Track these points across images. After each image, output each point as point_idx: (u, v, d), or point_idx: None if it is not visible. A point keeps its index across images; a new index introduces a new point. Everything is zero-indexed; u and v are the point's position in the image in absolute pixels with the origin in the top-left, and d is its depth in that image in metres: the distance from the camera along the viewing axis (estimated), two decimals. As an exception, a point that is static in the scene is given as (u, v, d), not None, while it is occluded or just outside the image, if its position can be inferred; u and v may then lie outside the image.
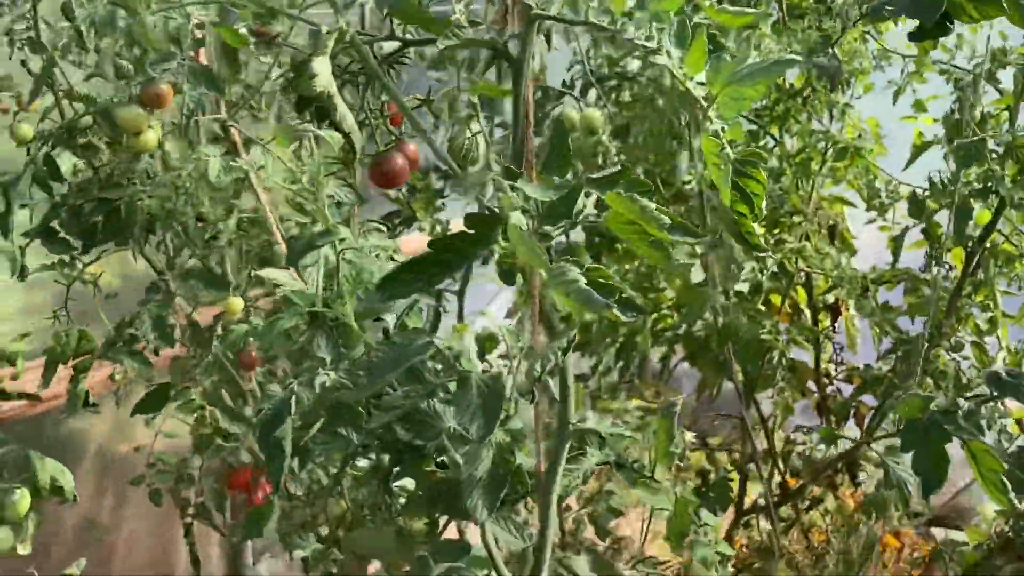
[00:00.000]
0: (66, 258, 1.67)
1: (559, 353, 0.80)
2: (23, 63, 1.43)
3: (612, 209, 0.75)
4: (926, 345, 1.83)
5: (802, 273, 2.41)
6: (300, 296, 0.96)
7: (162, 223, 1.43)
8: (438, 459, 1.06)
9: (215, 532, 3.14)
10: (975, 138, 1.58)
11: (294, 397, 0.87)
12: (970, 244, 1.93)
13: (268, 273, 1.00)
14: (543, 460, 0.86)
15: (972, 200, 1.84)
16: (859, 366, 2.36)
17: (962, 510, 3.13)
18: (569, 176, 0.74)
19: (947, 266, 2.00)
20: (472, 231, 0.71)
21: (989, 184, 1.81)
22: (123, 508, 2.75)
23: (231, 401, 1.56)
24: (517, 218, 0.67)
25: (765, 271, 2.17)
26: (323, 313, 0.98)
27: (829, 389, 2.53)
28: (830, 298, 2.58)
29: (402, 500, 1.14)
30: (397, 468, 1.06)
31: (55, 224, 1.63)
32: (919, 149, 2.32)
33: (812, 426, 2.36)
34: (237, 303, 1.35)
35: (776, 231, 2.39)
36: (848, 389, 2.57)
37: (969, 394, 1.05)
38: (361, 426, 0.90)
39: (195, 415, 2.01)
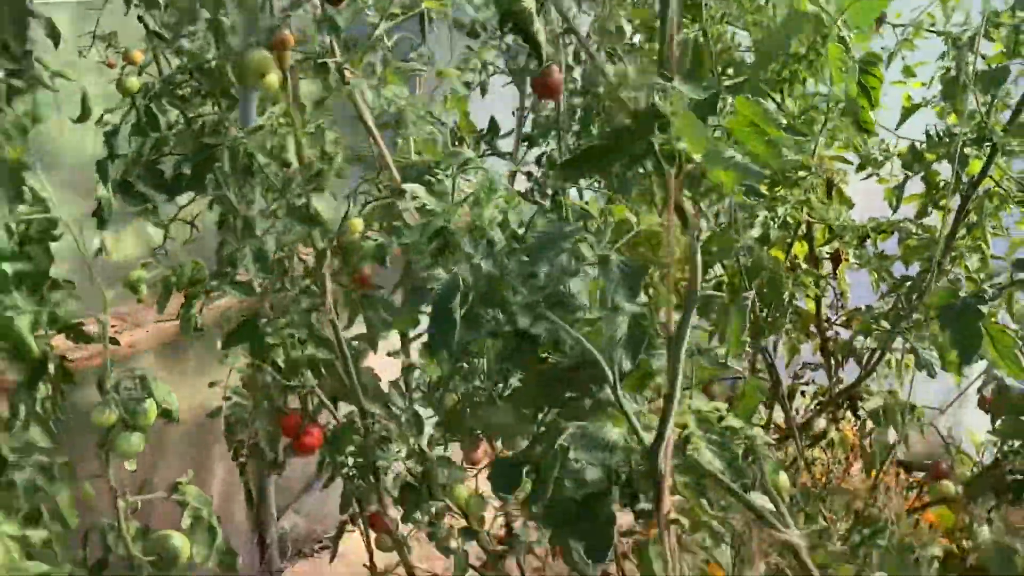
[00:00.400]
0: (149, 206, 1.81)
1: (694, 236, 0.98)
2: (140, 19, 1.57)
3: (738, 111, 0.93)
4: (929, 279, 2.04)
5: (803, 226, 2.62)
6: (440, 198, 1.12)
7: (260, 167, 1.57)
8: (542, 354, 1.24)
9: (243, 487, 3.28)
10: (1000, 65, 1.79)
11: (460, 278, 1.03)
12: (964, 190, 2.15)
13: (409, 187, 1.16)
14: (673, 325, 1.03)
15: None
16: (858, 308, 2.57)
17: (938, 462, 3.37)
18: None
19: (944, 210, 2.21)
20: (635, 125, 0.88)
21: (983, 133, 2.03)
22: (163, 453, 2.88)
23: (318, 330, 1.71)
24: (684, 107, 0.85)
25: (776, 220, 2.37)
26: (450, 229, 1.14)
27: (829, 333, 2.74)
28: (826, 250, 2.81)
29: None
30: (507, 362, 1.23)
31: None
32: (909, 111, 2.55)
33: (818, 363, 2.57)
34: (358, 223, 1.51)
35: (777, 188, 2.59)
36: (845, 334, 2.80)
37: (991, 283, 1.24)
38: (507, 305, 1.07)
39: (250, 362, 2.16)
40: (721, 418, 1.13)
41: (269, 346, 2.09)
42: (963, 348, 1.21)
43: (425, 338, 1.82)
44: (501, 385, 1.27)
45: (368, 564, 2.66)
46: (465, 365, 1.32)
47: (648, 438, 1.04)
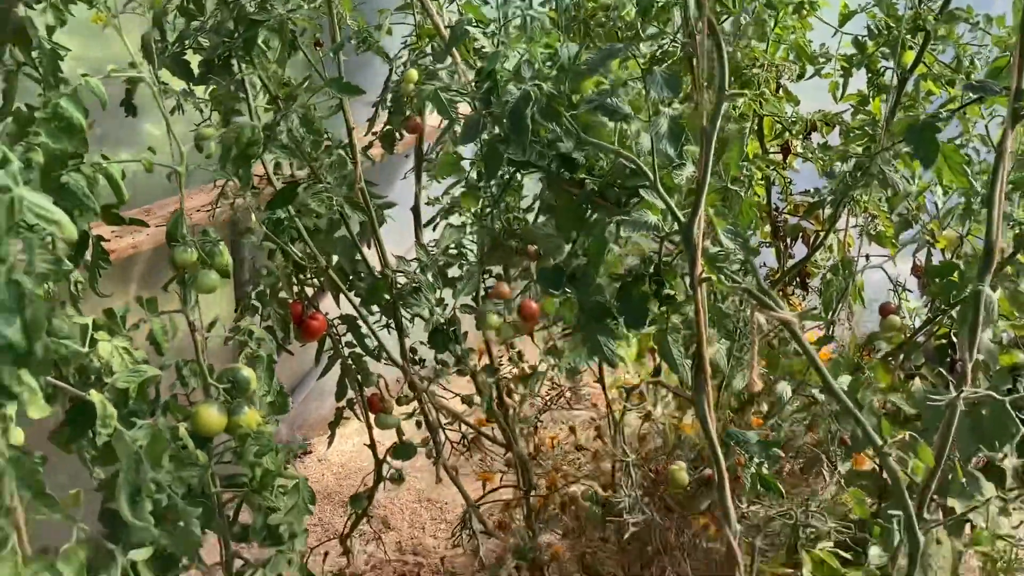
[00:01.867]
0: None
1: (719, 48, 1.23)
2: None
3: None
4: (874, 152, 2.35)
5: (754, 121, 2.91)
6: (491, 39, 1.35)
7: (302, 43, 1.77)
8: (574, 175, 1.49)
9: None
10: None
11: (532, 92, 1.27)
12: (901, 74, 2.46)
13: (459, 27, 1.38)
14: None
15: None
16: (807, 191, 2.88)
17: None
18: None
19: (884, 93, 2.52)
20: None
21: (918, 23, 2.34)
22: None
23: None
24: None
25: (733, 113, 2.66)
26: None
27: (779, 220, 3.06)
28: (775, 144, 3.11)
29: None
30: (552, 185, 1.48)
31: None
32: (846, 17, 2.86)
33: (767, 243, 2.89)
34: (413, 74, 1.71)
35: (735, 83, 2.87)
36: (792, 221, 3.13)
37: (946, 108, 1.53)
38: (561, 118, 1.32)
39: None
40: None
41: (287, 228, 2.30)
42: (924, 159, 1.50)
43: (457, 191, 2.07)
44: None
45: (368, 443, 2.91)
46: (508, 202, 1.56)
47: (683, 217, 1.30)
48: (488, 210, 1.67)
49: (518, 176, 1.55)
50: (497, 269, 1.96)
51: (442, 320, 2.04)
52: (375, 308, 2.50)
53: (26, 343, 1.18)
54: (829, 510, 2.04)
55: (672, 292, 1.44)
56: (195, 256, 1.64)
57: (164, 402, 1.64)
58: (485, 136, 1.46)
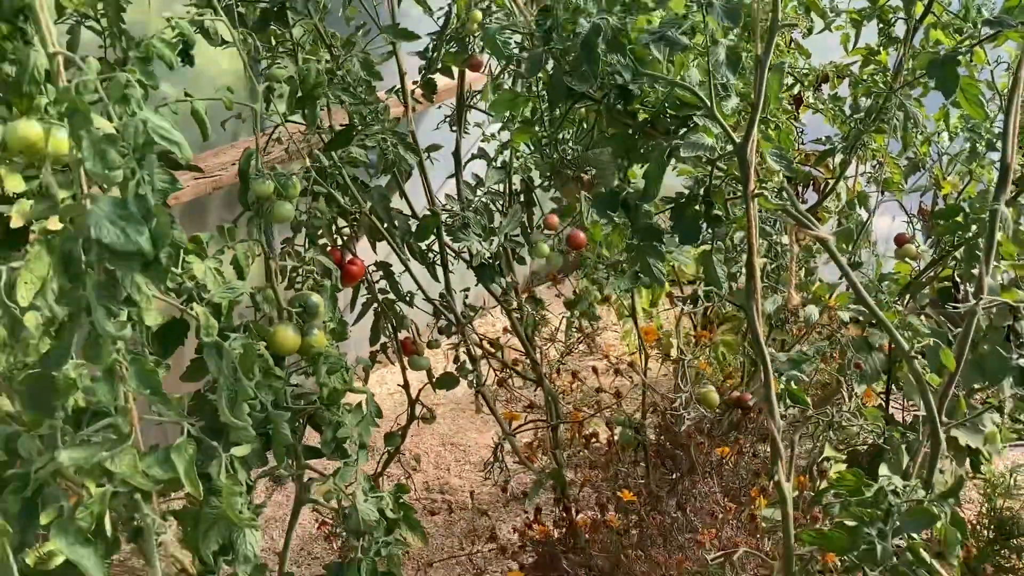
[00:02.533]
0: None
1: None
2: None
3: None
4: (886, 95, 2.49)
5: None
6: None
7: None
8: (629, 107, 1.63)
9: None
10: None
11: (601, 24, 1.40)
12: (912, 23, 2.59)
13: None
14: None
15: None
16: (819, 138, 3.02)
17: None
18: None
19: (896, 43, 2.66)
20: None
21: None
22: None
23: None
24: None
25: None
26: None
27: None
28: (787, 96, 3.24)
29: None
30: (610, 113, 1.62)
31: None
32: (856, -28, 2.99)
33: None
34: (478, 15, 1.83)
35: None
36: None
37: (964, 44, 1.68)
38: (625, 49, 1.45)
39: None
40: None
41: (332, 175, 2.43)
42: (945, 89, 1.64)
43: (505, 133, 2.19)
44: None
45: (402, 383, 3.06)
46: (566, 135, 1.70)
47: (738, 137, 1.44)
48: (547, 142, 1.80)
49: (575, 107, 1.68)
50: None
51: (488, 254, 2.17)
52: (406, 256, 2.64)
53: (153, 251, 1.31)
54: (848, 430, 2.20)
55: (719, 213, 1.58)
56: (272, 187, 1.77)
57: (245, 323, 1.77)
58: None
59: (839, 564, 1.93)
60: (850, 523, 1.58)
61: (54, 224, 1.43)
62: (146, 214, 1.30)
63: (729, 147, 1.47)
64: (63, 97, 1.24)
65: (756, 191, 1.43)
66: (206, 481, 1.51)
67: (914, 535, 1.60)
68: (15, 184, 1.53)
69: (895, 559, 1.59)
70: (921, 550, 1.59)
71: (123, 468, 1.41)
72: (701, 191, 1.58)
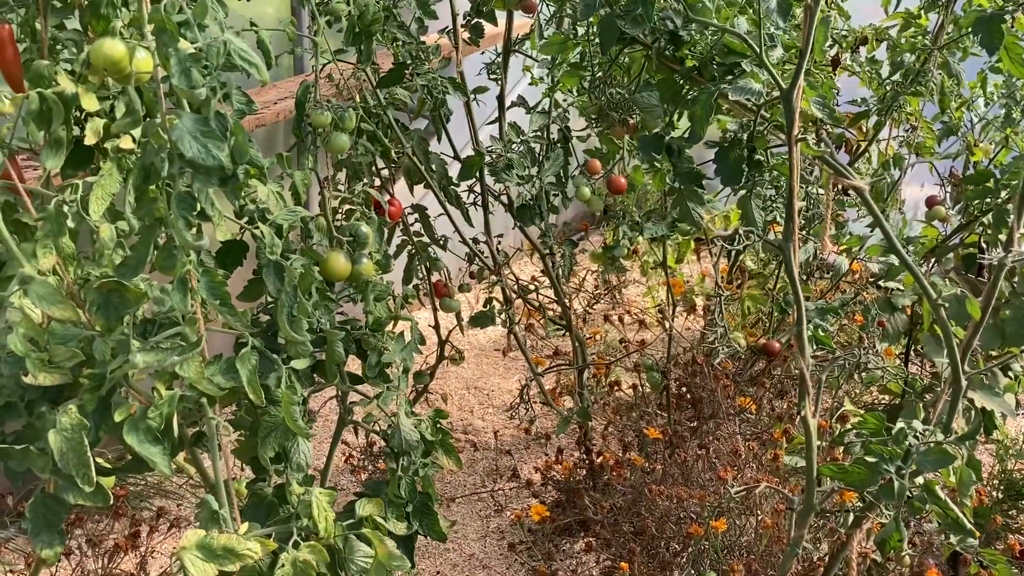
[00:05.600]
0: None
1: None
2: None
3: None
4: (925, 58, 2.53)
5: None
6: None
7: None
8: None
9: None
10: None
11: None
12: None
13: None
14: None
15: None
16: (854, 100, 3.06)
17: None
18: None
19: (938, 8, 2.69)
20: None
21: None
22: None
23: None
24: None
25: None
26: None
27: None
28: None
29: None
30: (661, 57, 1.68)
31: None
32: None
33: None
34: None
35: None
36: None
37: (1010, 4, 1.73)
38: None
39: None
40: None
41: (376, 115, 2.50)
42: (989, 46, 1.69)
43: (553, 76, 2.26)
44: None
45: (433, 324, 3.15)
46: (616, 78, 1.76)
47: (785, 83, 1.51)
48: (597, 84, 1.86)
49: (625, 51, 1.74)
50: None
51: (530, 196, 2.25)
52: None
53: (232, 167, 1.39)
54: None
55: (760, 158, 1.65)
56: (330, 118, 1.85)
57: (300, 247, 1.86)
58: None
59: (855, 504, 2.02)
60: (870, 459, 1.67)
61: (126, 143, 1.51)
62: (225, 131, 1.38)
63: (775, 93, 1.53)
64: (153, 17, 1.32)
65: (799, 136, 1.50)
66: (265, 392, 1.61)
67: (931, 474, 1.69)
68: (90, 104, 1.60)
69: (911, 496, 1.68)
70: (937, 488, 1.67)
71: (191, 373, 1.51)
72: (744, 136, 1.64)
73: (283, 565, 1.53)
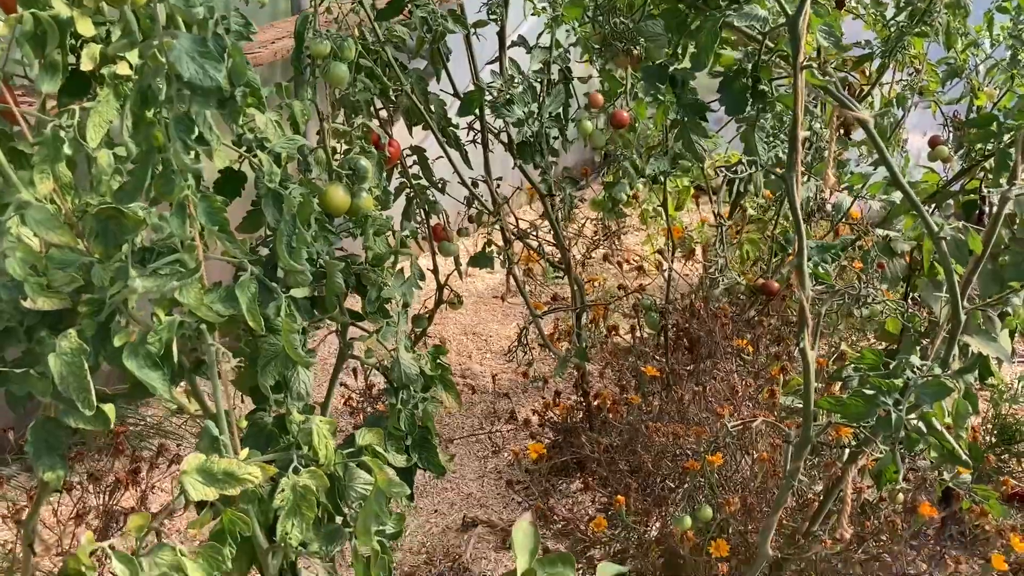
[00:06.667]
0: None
1: None
2: None
3: None
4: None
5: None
6: None
7: None
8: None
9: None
10: None
11: None
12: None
13: None
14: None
15: None
16: (856, 43, 3.03)
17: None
18: None
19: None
20: None
21: None
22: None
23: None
24: None
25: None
26: None
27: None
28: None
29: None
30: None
31: None
32: None
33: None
34: None
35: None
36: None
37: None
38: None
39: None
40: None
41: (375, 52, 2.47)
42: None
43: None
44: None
45: (431, 268, 3.14)
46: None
47: (791, 9, 1.49)
48: (600, 13, 1.84)
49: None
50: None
51: (531, 132, 2.23)
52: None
53: (230, 89, 1.37)
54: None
55: (765, 89, 1.63)
56: (329, 47, 1.82)
57: (299, 179, 1.84)
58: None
59: (851, 441, 2.03)
60: (868, 392, 1.68)
61: (123, 69, 1.49)
62: (223, 53, 1.36)
63: (781, 20, 1.51)
64: (148, -66, 1.29)
65: (804, 63, 1.48)
66: (265, 322, 1.60)
67: (928, 407, 1.70)
68: (86, 29, 1.57)
69: (907, 429, 1.69)
70: (934, 420, 1.68)
71: (190, 300, 1.50)
72: (749, 66, 1.62)
73: (283, 490, 1.54)
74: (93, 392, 1.42)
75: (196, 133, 1.41)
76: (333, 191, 1.89)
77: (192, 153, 1.45)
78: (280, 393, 1.72)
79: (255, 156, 1.60)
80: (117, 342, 1.46)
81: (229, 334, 1.64)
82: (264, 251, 1.88)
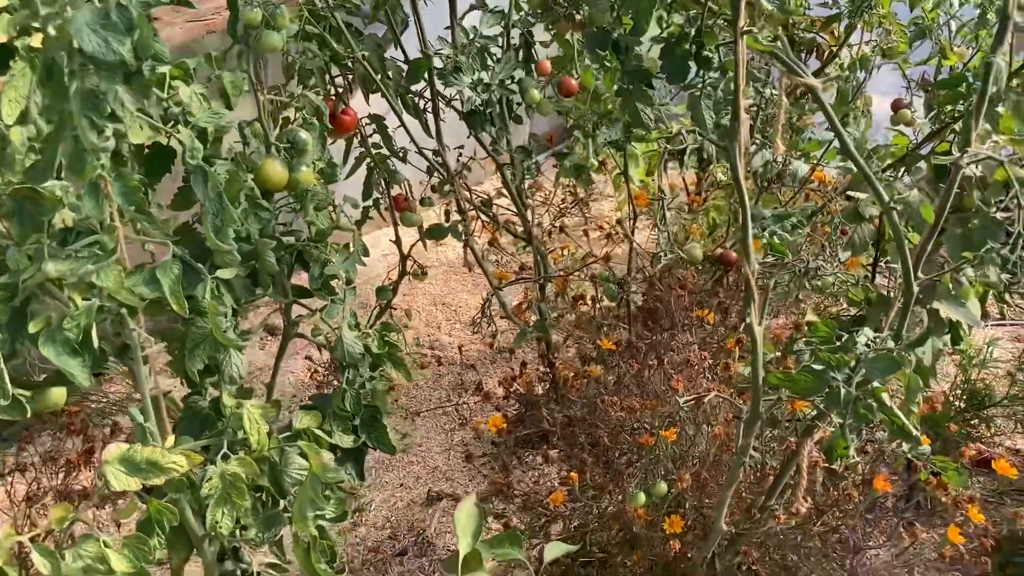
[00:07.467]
0: None
1: None
2: None
3: None
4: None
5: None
6: None
7: None
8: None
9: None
10: None
11: None
12: None
13: None
14: None
15: None
16: (825, 3, 2.95)
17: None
18: None
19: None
20: None
21: None
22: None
23: None
24: None
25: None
26: None
27: (795, 33, 3.14)
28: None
29: None
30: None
31: None
32: None
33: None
34: None
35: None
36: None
37: None
38: None
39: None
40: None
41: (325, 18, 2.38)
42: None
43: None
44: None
45: (394, 239, 3.08)
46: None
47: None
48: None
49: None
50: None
51: (480, 101, 2.16)
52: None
53: (136, 63, 1.30)
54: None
55: (709, 55, 1.57)
56: (260, 15, 1.74)
57: (233, 155, 1.77)
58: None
59: (807, 414, 1.99)
60: (817, 367, 1.63)
61: (37, 41, 1.42)
62: (128, 25, 1.29)
63: (722, -18, 1.45)
64: None
65: (745, 28, 1.41)
66: (192, 303, 1.55)
67: (878, 382, 1.65)
68: (-3, -2, 1.49)
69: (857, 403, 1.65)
70: (884, 395, 1.64)
71: (109, 283, 1.44)
72: (692, 31, 1.56)
73: (211, 478, 1.50)
74: (7, 381, 1.37)
75: (108, 110, 1.34)
76: (269, 165, 1.83)
77: (105, 130, 1.38)
78: (212, 376, 1.67)
79: (179, 132, 1.54)
80: (33, 328, 1.41)
81: (155, 318, 1.59)
82: (202, 229, 1.82)
